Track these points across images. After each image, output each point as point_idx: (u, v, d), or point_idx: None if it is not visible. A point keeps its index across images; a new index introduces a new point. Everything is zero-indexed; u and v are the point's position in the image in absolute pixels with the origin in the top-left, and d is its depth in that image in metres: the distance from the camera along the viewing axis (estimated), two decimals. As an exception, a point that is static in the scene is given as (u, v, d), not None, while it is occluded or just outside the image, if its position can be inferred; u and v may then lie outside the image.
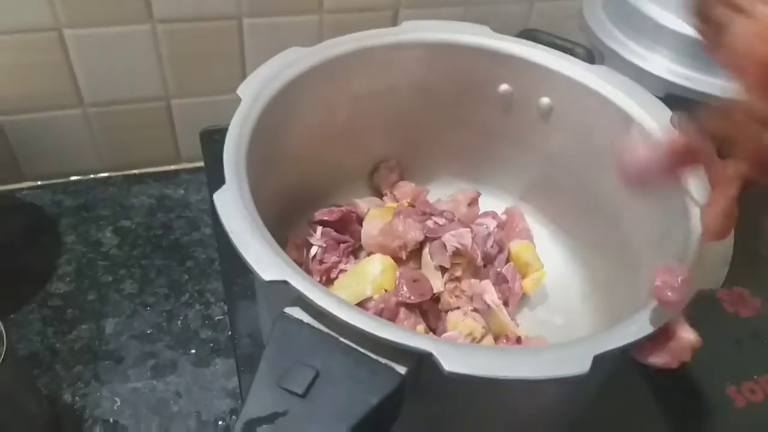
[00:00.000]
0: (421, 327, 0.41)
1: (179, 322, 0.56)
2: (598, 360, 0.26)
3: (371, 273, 0.41)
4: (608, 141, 0.44)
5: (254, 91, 0.38)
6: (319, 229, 0.46)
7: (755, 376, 0.52)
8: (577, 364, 0.26)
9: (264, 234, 0.30)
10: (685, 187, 0.37)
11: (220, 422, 0.50)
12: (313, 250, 0.45)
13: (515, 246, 0.48)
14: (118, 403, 0.50)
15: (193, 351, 0.54)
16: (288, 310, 0.29)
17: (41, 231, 0.62)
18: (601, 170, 0.46)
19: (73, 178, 0.68)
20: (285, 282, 0.28)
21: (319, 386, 0.26)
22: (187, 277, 0.60)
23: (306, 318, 0.29)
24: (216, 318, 0.57)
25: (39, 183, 0.67)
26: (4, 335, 0.40)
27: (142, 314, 0.56)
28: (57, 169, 0.66)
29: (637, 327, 0.29)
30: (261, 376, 0.26)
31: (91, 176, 0.68)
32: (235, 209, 0.31)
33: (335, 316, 0.27)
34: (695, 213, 0.35)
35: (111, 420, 0.49)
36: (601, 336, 0.28)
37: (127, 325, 0.56)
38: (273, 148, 0.40)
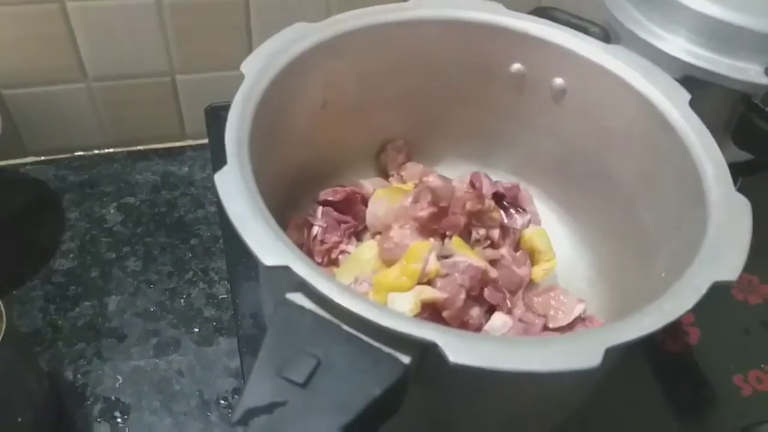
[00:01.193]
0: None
1: (183, 301, 0.56)
2: (610, 352, 0.26)
3: (368, 259, 0.41)
4: (623, 124, 0.43)
5: (258, 67, 0.37)
6: (320, 208, 0.45)
7: (762, 365, 0.51)
8: (588, 356, 0.25)
9: (266, 217, 0.29)
10: (702, 173, 0.36)
11: (222, 401, 0.50)
12: (314, 230, 0.44)
13: (529, 232, 0.47)
14: (120, 381, 0.50)
15: (196, 330, 0.54)
16: (290, 295, 0.28)
17: (44, 207, 0.62)
18: (615, 153, 0.44)
19: (77, 153, 0.67)
20: (286, 267, 0.27)
21: (320, 376, 0.25)
22: (191, 255, 0.59)
23: (308, 304, 0.28)
24: (220, 297, 0.56)
25: (42, 158, 0.66)
26: (4, 312, 0.39)
27: (145, 292, 0.56)
28: (61, 144, 0.66)
29: (652, 319, 0.27)
30: (261, 364, 0.25)
31: (95, 152, 0.68)
32: (236, 191, 0.30)
33: (337, 302, 0.26)
34: (713, 199, 0.34)
35: (113, 398, 0.49)
36: (613, 327, 0.27)
37: (130, 302, 0.55)
38: (277, 126, 0.39)
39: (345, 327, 0.27)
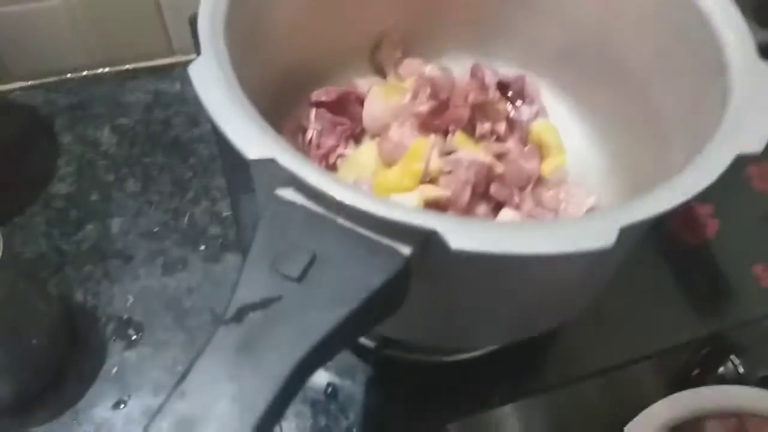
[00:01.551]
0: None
1: (186, 220, 0.55)
2: (625, 232, 0.24)
3: (367, 162, 0.39)
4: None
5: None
6: (313, 111, 0.42)
7: (784, 253, 0.50)
8: (601, 236, 0.23)
9: (248, 108, 0.27)
10: (722, 42, 0.33)
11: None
12: (309, 134, 0.42)
13: (537, 126, 0.45)
14: (131, 301, 0.50)
15: (202, 247, 0.53)
16: (280, 191, 0.26)
17: (37, 132, 0.60)
18: (627, 34, 0.41)
19: (65, 76, 0.65)
20: (272, 160, 0.25)
21: (316, 270, 0.24)
22: (191, 174, 0.58)
23: (300, 200, 0.26)
24: (224, 214, 0.55)
25: (30, 83, 0.64)
26: (1, 240, 0.39)
27: (147, 213, 0.55)
28: (46, 66, 0.63)
29: (670, 194, 0.25)
30: (252, 259, 0.24)
31: (84, 73, 0.65)
32: (213, 81, 0.27)
33: (330, 195, 0.25)
34: (734, 69, 0.31)
35: (125, 317, 0.49)
36: (627, 206, 0.25)
37: (133, 223, 0.55)
38: (258, 20, 0.36)
39: (340, 220, 0.26)
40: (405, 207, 0.25)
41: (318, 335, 0.23)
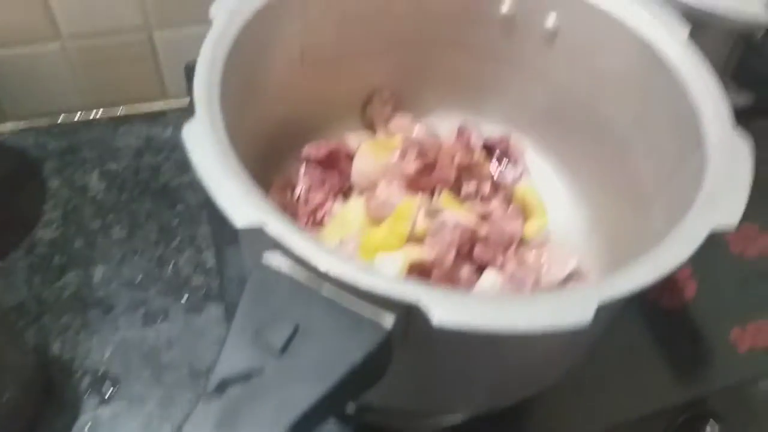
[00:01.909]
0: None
1: (170, 268, 0.55)
2: (602, 309, 0.24)
3: (354, 219, 0.39)
4: (618, 65, 0.41)
5: (229, 11, 0.34)
6: (303, 166, 0.43)
7: (761, 319, 0.50)
8: (578, 313, 0.24)
9: (239, 172, 0.27)
10: (700, 112, 0.34)
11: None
12: (297, 190, 0.42)
13: (521, 188, 0.45)
14: (108, 353, 0.49)
15: (185, 298, 0.53)
16: (266, 257, 0.27)
17: (25, 175, 0.60)
18: (609, 99, 0.42)
19: (57, 120, 0.65)
20: (260, 227, 0.25)
21: (298, 342, 0.24)
22: (177, 222, 0.58)
23: (285, 266, 0.26)
24: (208, 264, 0.55)
25: (21, 125, 0.64)
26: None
27: (131, 260, 0.55)
28: (39, 108, 0.64)
29: (646, 270, 0.26)
30: (236, 330, 0.24)
31: (76, 117, 0.65)
32: (206, 144, 0.28)
33: (313, 264, 0.25)
34: (711, 141, 0.32)
35: (101, 370, 0.48)
36: (605, 281, 0.26)
37: (117, 271, 0.54)
38: (252, 76, 0.36)
39: (325, 290, 0.26)
40: (388, 278, 0.25)
41: (299, 410, 0.23)
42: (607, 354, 0.42)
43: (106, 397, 0.47)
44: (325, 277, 0.25)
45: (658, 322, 0.49)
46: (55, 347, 0.49)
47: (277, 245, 0.26)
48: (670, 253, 0.27)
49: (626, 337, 0.47)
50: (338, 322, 0.25)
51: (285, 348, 0.24)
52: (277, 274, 0.26)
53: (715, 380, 0.47)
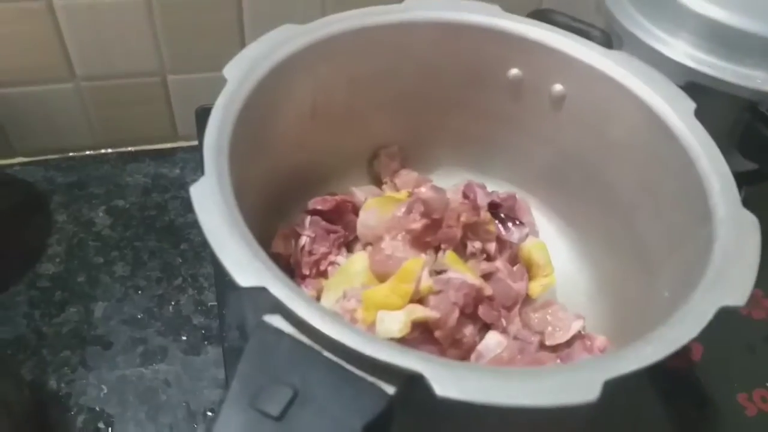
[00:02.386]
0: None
1: (171, 308, 0.54)
2: (609, 385, 0.24)
3: (358, 272, 0.39)
4: (624, 132, 0.41)
5: (242, 71, 0.35)
6: (308, 218, 0.43)
7: (768, 384, 0.50)
8: (584, 390, 0.23)
9: (244, 234, 0.28)
10: (708, 187, 0.34)
11: (209, 413, 0.48)
12: (302, 241, 0.42)
13: (528, 243, 0.45)
14: (105, 391, 0.49)
15: (184, 338, 0.52)
16: (267, 318, 0.27)
17: (32, 208, 0.60)
18: (616, 164, 0.43)
19: (66, 154, 0.65)
20: (263, 288, 0.26)
21: (297, 408, 0.24)
22: (180, 261, 0.58)
23: (287, 328, 0.26)
24: (209, 304, 0.55)
25: (31, 159, 0.64)
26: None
27: (133, 298, 0.55)
28: (49, 144, 0.64)
29: (654, 348, 0.26)
30: (233, 395, 0.24)
31: (85, 153, 0.66)
32: (213, 204, 0.28)
33: (316, 328, 0.25)
34: (719, 216, 0.32)
35: (97, 408, 0.48)
36: (612, 357, 0.25)
37: (117, 309, 0.54)
38: (263, 132, 0.37)
39: (325, 353, 0.26)
40: (392, 346, 0.25)
41: (295, 481, 0.22)
42: (611, 412, 0.42)
43: (101, 436, 0.46)
44: (327, 342, 0.25)
45: (663, 382, 0.48)
46: (52, 383, 0.49)
47: (278, 307, 0.26)
48: (677, 331, 0.27)
49: (633, 398, 0.46)
50: (339, 386, 0.25)
51: (283, 414, 0.24)
52: (278, 333, 0.26)
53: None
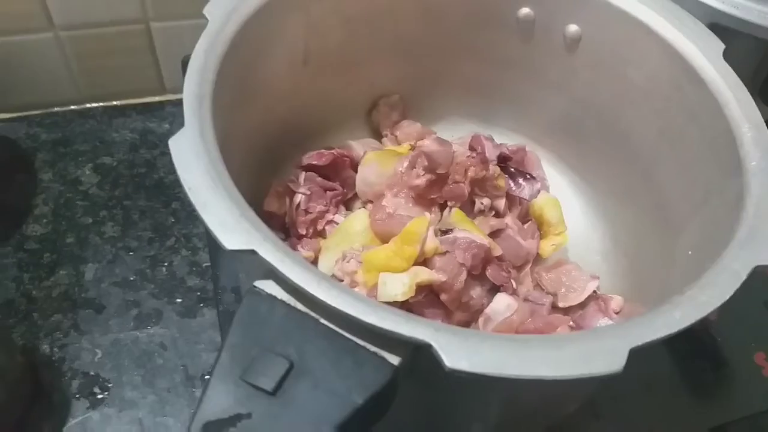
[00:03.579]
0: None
1: (164, 269, 0.53)
2: (635, 353, 0.22)
3: (358, 232, 0.37)
4: (645, 76, 0.38)
5: (225, 10, 0.32)
6: (303, 174, 0.41)
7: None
8: (609, 359, 0.21)
9: (230, 190, 0.25)
10: (738, 135, 0.31)
11: (208, 377, 0.47)
12: (297, 199, 0.40)
13: (540, 199, 0.43)
14: (99, 355, 0.48)
15: (178, 300, 0.51)
16: (259, 283, 0.24)
17: (15, 167, 0.58)
18: (635, 111, 0.40)
19: (50, 110, 0.62)
20: (252, 251, 0.23)
21: (292, 381, 0.22)
22: (172, 220, 0.56)
23: (280, 294, 0.24)
24: (204, 264, 0.53)
25: (13, 115, 0.62)
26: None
27: (124, 259, 0.53)
28: (31, 99, 0.61)
29: (684, 312, 0.23)
30: (222, 367, 0.22)
31: (69, 108, 0.63)
32: (194, 159, 0.25)
33: (314, 295, 0.22)
34: (751, 167, 0.30)
35: (92, 372, 0.47)
36: (638, 323, 0.23)
37: (109, 270, 0.52)
38: (249, 80, 0.34)
39: (323, 321, 0.23)
40: (397, 314, 0.22)
41: (289, 461, 0.20)
42: (625, 375, 0.40)
43: (97, 399, 0.46)
44: (325, 310, 0.23)
45: (680, 342, 0.47)
46: (45, 348, 0.48)
47: (270, 272, 0.24)
48: (708, 293, 0.24)
49: (647, 357, 0.45)
50: (339, 357, 0.22)
51: (277, 389, 0.21)
52: (271, 300, 0.24)
53: (739, 406, 0.45)
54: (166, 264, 0.53)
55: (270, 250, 0.23)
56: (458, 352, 0.21)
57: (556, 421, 0.34)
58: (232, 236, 0.23)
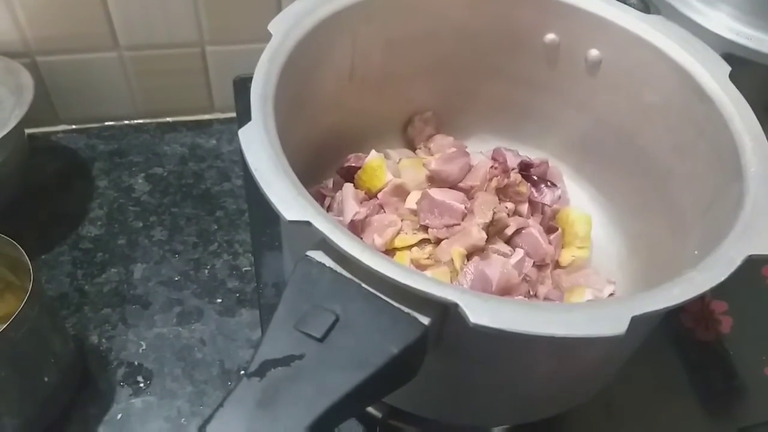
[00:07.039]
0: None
1: (206, 271, 0.56)
2: (636, 321, 0.24)
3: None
4: (659, 96, 0.42)
5: (286, 27, 0.36)
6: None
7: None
8: (613, 324, 0.24)
9: (288, 173, 0.29)
10: (740, 146, 0.35)
11: (243, 371, 0.50)
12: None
13: (574, 214, 0.46)
14: (144, 347, 0.51)
15: (219, 300, 0.54)
16: (310, 253, 0.28)
17: (75, 174, 0.63)
18: (650, 128, 0.43)
19: (107, 123, 0.67)
20: (308, 223, 0.27)
21: (338, 332, 0.25)
22: (216, 227, 0.59)
23: (328, 262, 0.27)
24: (243, 269, 0.56)
25: (74, 127, 0.67)
26: (33, 274, 0.40)
27: (170, 261, 0.56)
28: (92, 113, 0.66)
29: (681, 289, 0.26)
30: (279, 317, 0.25)
31: (125, 122, 0.68)
32: (260, 146, 0.29)
33: (358, 260, 0.26)
34: (750, 173, 0.33)
35: (136, 363, 0.50)
36: (641, 296, 0.26)
37: (155, 271, 0.56)
38: (303, 88, 0.38)
39: (365, 285, 0.27)
40: (428, 278, 0.26)
41: (336, 395, 0.23)
42: (640, 383, 0.42)
43: (140, 388, 0.48)
44: (367, 273, 0.26)
45: (692, 354, 0.48)
46: (93, 338, 0.51)
47: (322, 242, 0.27)
48: (705, 276, 0.27)
49: (660, 366, 0.47)
50: (378, 315, 0.26)
51: (325, 336, 0.25)
52: (321, 267, 0.27)
53: (749, 415, 0.46)
54: (208, 267, 0.56)
55: (323, 222, 0.27)
56: (481, 310, 0.24)
57: (569, 404, 0.36)
58: (291, 209, 0.27)
